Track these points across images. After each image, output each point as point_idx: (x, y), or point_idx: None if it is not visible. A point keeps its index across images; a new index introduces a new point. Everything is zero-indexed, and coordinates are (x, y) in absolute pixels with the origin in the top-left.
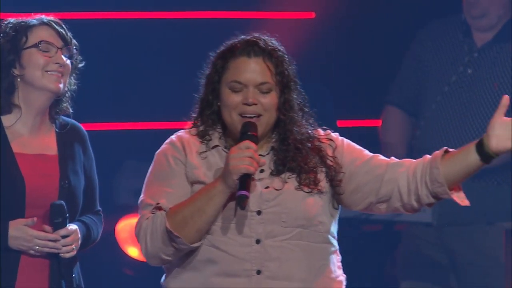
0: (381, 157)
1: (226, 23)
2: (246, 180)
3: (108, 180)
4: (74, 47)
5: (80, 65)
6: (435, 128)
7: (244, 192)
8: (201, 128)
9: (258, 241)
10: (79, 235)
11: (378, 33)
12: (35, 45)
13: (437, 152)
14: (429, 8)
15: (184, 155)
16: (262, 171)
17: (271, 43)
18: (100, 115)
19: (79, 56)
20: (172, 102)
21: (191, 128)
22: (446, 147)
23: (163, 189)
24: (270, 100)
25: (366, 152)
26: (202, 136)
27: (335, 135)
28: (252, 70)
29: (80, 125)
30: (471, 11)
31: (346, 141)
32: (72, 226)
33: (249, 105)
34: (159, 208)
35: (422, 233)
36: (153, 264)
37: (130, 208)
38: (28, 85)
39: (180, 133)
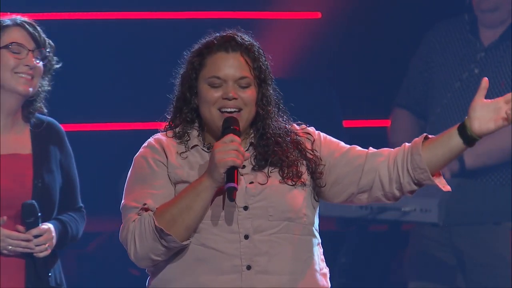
0: (359, 148)
1: (232, 24)
2: (233, 173)
3: (114, 180)
4: (47, 49)
5: (56, 66)
6: (441, 130)
7: (232, 184)
8: (178, 128)
9: (246, 237)
10: (53, 234)
11: (384, 33)
12: (6, 46)
13: (416, 139)
14: (435, 9)
15: (165, 156)
16: (243, 166)
17: (247, 38)
18: (106, 115)
19: (55, 57)
20: None
21: (166, 130)
22: (425, 134)
23: (146, 191)
24: (249, 94)
25: (343, 144)
26: (180, 136)
27: (311, 129)
28: (231, 65)
29: (57, 123)
30: (482, 5)
31: (322, 134)
32: (45, 225)
33: (229, 99)
34: (146, 209)
35: (429, 233)
36: (143, 266)
37: None
38: None
39: (157, 136)
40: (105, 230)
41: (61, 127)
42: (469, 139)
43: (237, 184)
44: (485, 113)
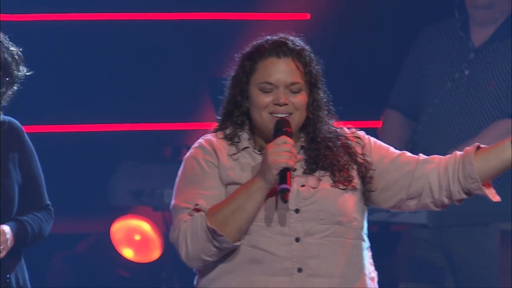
0: (409, 154)
1: (221, 25)
2: (285, 174)
3: (103, 182)
4: (11, 67)
5: (26, 74)
6: (432, 131)
7: (285, 186)
8: (229, 130)
9: (297, 239)
10: (8, 236)
11: (374, 34)
12: None
13: (469, 148)
14: (425, 10)
15: (216, 157)
16: (294, 170)
17: (299, 42)
18: (94, 116)
19: (21, 67)
20: (169, 103)
21: (216, 131)
22: (478, 144)
23: (198, 192)
24: (300, 99)
25: (393, 149)
26: (231, 138)
27: (361, 133)
28: (282, 70)
29: (16, 122)
30: (477, 1)
31: (372, 139)
32: None
33: (280, 105)
34: (197, 210)
35: (420, 234)
36: (194, 266)
37: (125, 209)
38: None
39: (207, 136)
40: (93, 231)
41: (20, 126)
42: None
43: (289, 185)
44: None
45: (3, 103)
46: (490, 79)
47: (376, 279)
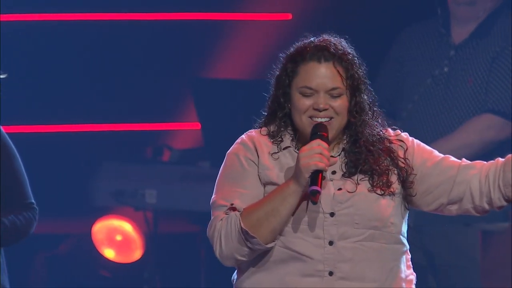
0: (452, 158)
1: (203, 25)
2: (317, 176)
3: (84, 182)
4: None
5: (1, 77)
6: (411, 128)
7: (315, 187)
8: (273, 127)
9: (331, 243)
10: None
11: (355, 34)
12: None
13: (510, 155)
14: (408, 9)
15: (256, 155)
16: (334, 172)
17: (341, 46)
18: (75, 117)
19: None
20: (150, 103)
21: (261, 128)
22: None
23: (236, 190)
24: (340, 103)
25: (437, 153)
26: (274, 136)
27: (405, 135)
28: (323, 75)
29: None
30: None
31: (416, 141)
32: None
33: (319, 110)
34: (233, 209)
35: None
36: (227, 264)
37: (106, 209)
38: None
39: (251, 132)
40: (75, 232)
41: None
42: None
43: (320, 187)
44: None
45: None
46: (470, 76)
47: (414, 281)
